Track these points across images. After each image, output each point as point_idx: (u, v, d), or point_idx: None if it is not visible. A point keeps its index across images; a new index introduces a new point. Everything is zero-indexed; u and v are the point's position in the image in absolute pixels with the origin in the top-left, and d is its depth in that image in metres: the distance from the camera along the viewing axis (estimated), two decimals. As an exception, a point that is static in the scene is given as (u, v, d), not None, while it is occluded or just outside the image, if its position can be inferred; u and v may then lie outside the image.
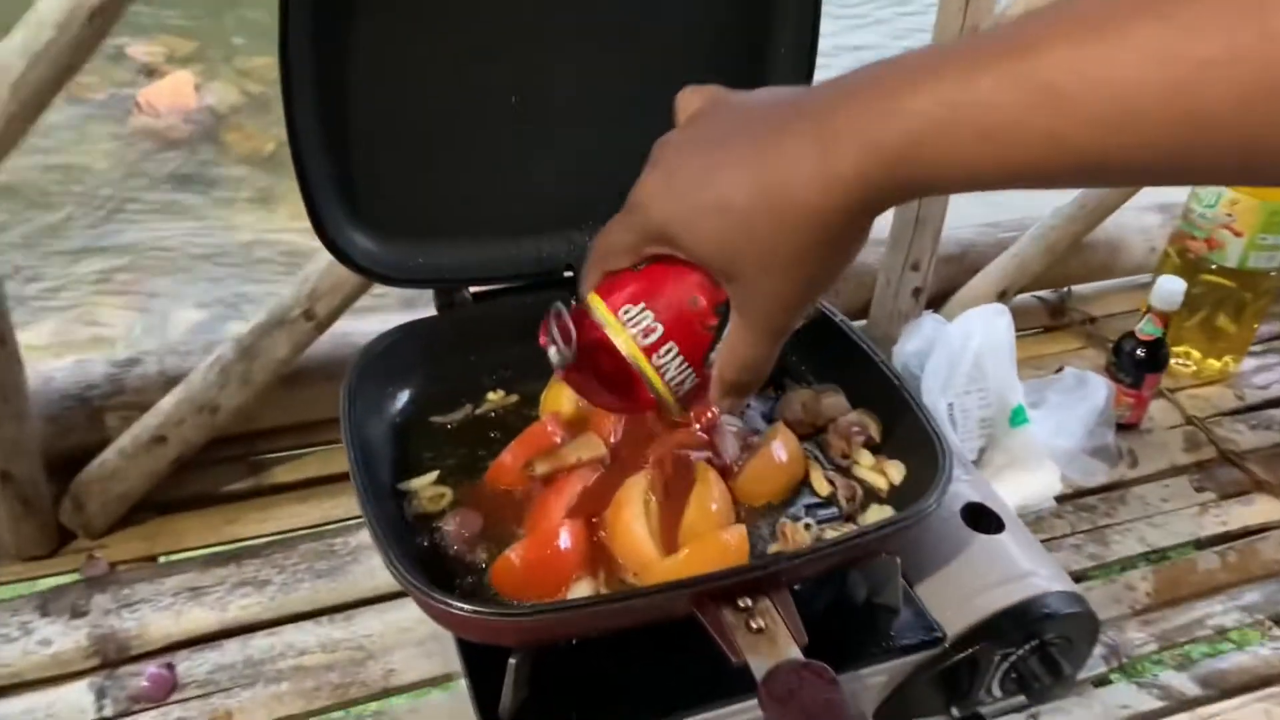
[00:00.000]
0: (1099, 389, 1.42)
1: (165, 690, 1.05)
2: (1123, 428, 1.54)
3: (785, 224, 0.52)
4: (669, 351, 0.65)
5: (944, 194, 0.51)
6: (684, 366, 0.65)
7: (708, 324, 0.64)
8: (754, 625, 0.69)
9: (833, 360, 1.02)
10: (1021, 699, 0.92)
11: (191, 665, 1.10)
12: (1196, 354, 1.71)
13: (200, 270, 2.57)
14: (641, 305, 0.66)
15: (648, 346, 0.65)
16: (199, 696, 1.06)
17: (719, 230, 0.55)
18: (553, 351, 0.69)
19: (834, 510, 0.90)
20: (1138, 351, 1.48)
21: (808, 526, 0.86)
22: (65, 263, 2.54)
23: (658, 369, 0.66)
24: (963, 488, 0.96)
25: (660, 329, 0.65)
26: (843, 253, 0.54)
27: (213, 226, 2.75)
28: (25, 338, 1.15)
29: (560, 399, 0.95)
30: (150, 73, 3.44)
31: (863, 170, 0.48)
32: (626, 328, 0.66)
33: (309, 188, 0.90)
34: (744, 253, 0.55)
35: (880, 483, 0.93)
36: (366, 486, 0.78)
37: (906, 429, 0.92)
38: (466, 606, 0.66)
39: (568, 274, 1.03)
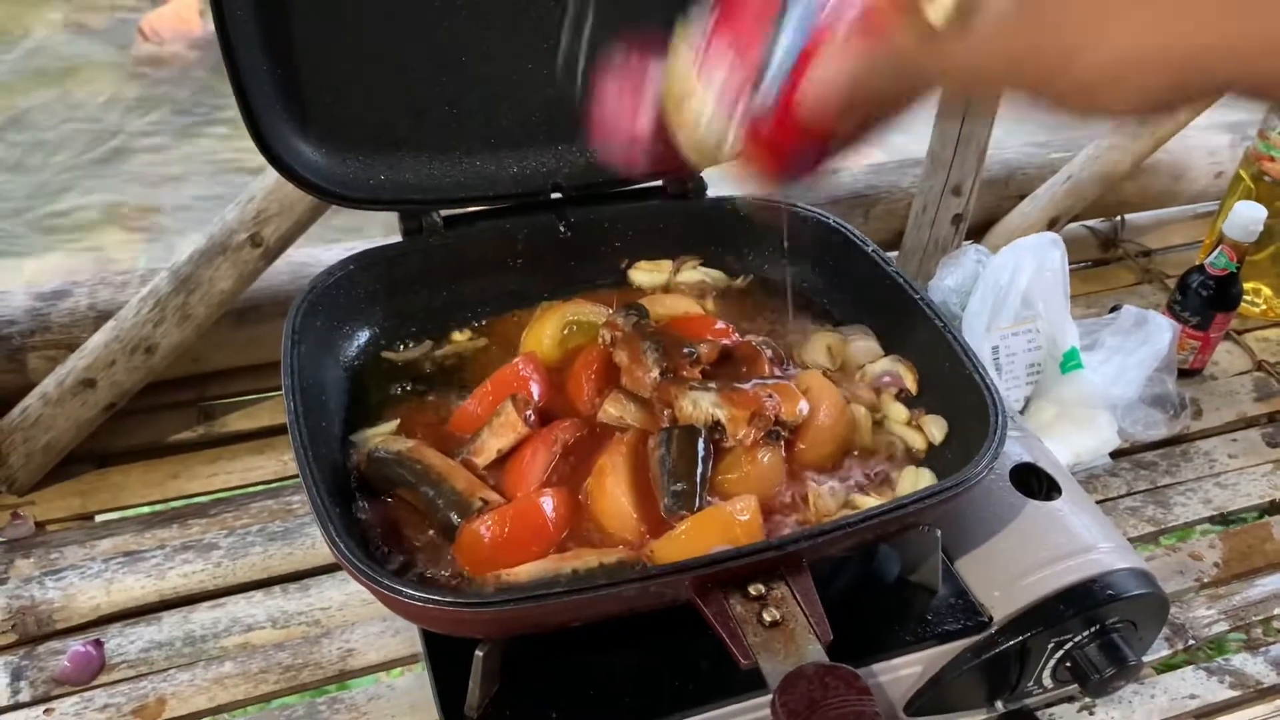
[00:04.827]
0: (1162, 330, 1.33)
1: (90, 671, 0.98)
2: (1184, 374, 1.46)
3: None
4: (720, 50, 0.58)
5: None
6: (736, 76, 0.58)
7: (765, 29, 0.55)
8: (767, 618, 0.62)
9: (862, 297, 0.96)
10: (1075, 688, 0.86)
11: (122, 642, 1.03)
12: (1268, 291, 1.63)
13: (208, 200, 2.55)
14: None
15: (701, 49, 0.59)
16: (129, 679, 0.99)
17: None
18: None
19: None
20: (1207, 287, 1.39)
21: (832, 491, 0.79)
22: (71, 195, 2.54)
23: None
24: (1011, 445, 0.91)
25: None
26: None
27: (220, 155, 2.74)
28: (29, 271, 1.07)
29: (542, 338, 0.89)
30: (154, -3, 3.44)
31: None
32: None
33: (244, 89, 0.84)
34: None
35: (917, 441, 0.87)
36: (306, 443, 0.71)
37: (949, 379, 0.85)
38: (420, 595, 0.59)
39: (555, 195, 0.97)
